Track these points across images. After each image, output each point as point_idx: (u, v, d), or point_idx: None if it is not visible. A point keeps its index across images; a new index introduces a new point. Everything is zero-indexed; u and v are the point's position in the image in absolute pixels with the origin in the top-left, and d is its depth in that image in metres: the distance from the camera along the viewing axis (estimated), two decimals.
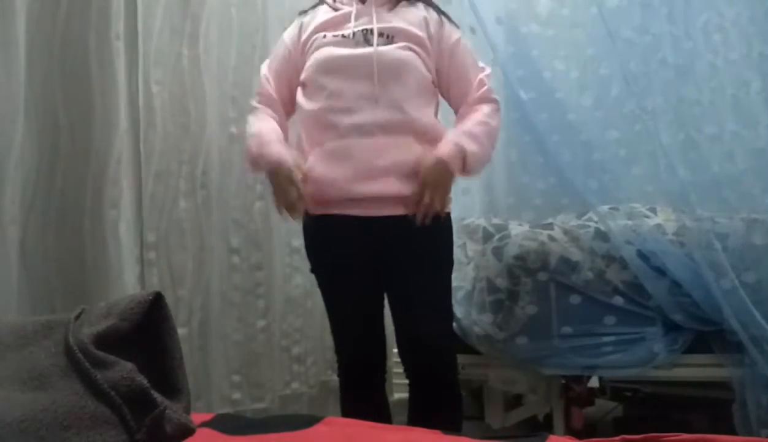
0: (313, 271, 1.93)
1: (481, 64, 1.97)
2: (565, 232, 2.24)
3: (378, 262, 1.83)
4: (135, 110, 2.07)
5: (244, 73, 2.43)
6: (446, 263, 1.89)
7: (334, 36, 1.87)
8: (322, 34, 1.89)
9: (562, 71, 2.49)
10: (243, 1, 2.44)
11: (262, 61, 2.46)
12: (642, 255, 2.13)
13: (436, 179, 1.76)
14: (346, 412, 1.90)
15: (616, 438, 1.08)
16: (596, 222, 2.25)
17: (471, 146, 1.79)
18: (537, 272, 2.21)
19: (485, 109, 1.88)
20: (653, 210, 2.27)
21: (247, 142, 1.89)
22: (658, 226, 2.18)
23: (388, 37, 1.85)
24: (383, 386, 1.96)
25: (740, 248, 2.09)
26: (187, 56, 2.22)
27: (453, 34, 1.92)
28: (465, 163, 1.79)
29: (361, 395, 1.91)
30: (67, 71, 1.88)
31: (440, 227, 1.83)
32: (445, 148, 1.78)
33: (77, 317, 0.89)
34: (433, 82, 1.90)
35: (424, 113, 1.84)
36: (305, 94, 1.89)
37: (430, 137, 1.82)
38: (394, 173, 1.77)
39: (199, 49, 2.25)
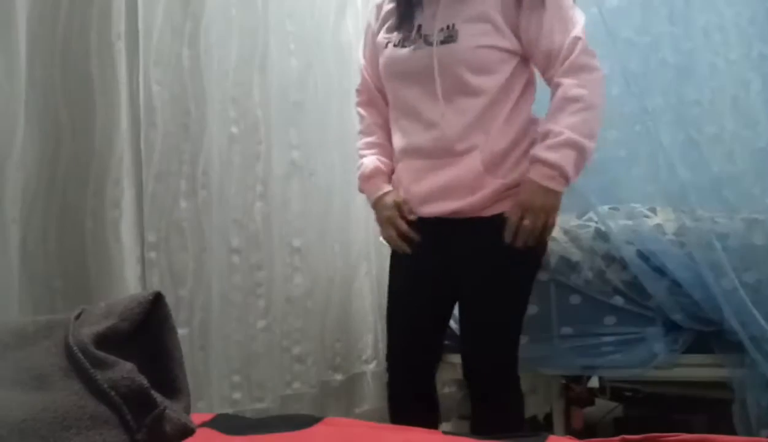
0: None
1: (575, 17, 1.72)
2: (565, 232, 2.24)
3: (448, 268, 1.82)
4: (136, 110, 2.07)
5: (244, 73, 2.42)
6: (517, 288, 1.84)
7: (394, 35, 1.82)
8: (385, 30, 1.85)
9: None
10: (243, 1, 2.44)
11: (262, 61, 2.48)
12: (642, 255, 2.13)
13: (535, 202, 1.69)
14: (392, 404, 1.95)
15: (616, 438, 1.09)
16: (596, 222, 2.25)
17: (566, 158, 1.66)
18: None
19: (574, 88, 1.68)
20: (653, 210, 2.27)
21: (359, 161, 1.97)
22: (658, 226, 2.18)
23: (449, 27, 1.72)
24: (430, 382, 1.96)
25: (740, 248, 2.09)
26: (187, 56, 2.22)
27: None
28: (567, 176, 1.69)
29: (407, 388, 1.93)
30: (68, 71, 1.88)
31: (524, 252, 1.76)
32: (540, 172, 1.68)
33: (77, 317, 0.89)
34: (518, 55, 1.76)
35: (494, 126, 1.75)
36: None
37: (502, 155, 1.76)
38: (454, 192, 1.77)
39: (200, 49, 2.25)
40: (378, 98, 1.94)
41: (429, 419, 1.85)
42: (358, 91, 2.00)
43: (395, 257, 1.94)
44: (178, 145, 2.19)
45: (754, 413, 2.01)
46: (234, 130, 2.38)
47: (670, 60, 2.29)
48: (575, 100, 1.67)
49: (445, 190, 1.77)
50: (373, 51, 1.92)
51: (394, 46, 1.80)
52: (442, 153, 1.76)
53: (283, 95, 2.54)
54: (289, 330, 2.54)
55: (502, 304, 1.81)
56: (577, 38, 1.70)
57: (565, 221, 2.33)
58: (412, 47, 1.77)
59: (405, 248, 1.84)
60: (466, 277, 1.81)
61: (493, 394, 1.82)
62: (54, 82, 1.86)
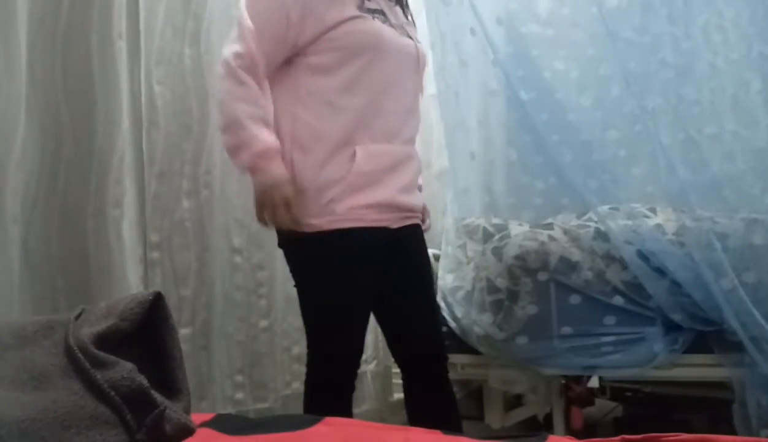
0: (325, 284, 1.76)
1: None
2: (565, 232, 2.24)
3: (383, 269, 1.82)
4: (137, 110, 2.08)
5: None
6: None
7: (375, 12, 1.78)
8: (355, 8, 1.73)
9: (562, 71, 2.49)
10: None
11: None
12: (642, 255, 2.13)
13: None
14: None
15: (616, 438, 1.09)
16: (596, 222, 2.24)
17: None
18: (537, 272, 2.21)
19: None
20: (653, 210, 2.27)
21: (237, 131, 1.66)
22: (658, 226, 2.17)
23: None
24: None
25: (740, 248, 2.09)
26: (189, 56, 2.23)
27: None
28: None
29: (344, 399, 1.82)
30: (69, 71, 1.89)
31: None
32: None
33: (77, 317, 0.90)
34: None
35: None
36: (336, 75, 1.73)
37: None
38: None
39: (201, 49, 2.26)
40: (261, 73, 1.70)
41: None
42: (240, 54, 1.68)
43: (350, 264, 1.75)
44: (180, 144, 2.19)
45: (754, 413, 2.01)
46: None
47: (670, 60, 2.29)
48: None
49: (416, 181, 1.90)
50: (279, 29, 1.69)
51: (391, 27, 1.80)
52: (412, 141, 1.87)
53: None
54: (290, 330, 2.55)
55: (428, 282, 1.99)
56: None
57: (565, 221, 2.34)
58: (402, 34, 1.83)
59: (290, 223, 1.70)
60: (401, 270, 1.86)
61: (444, 375, 1.92)
62: (55, 81, 1.87)
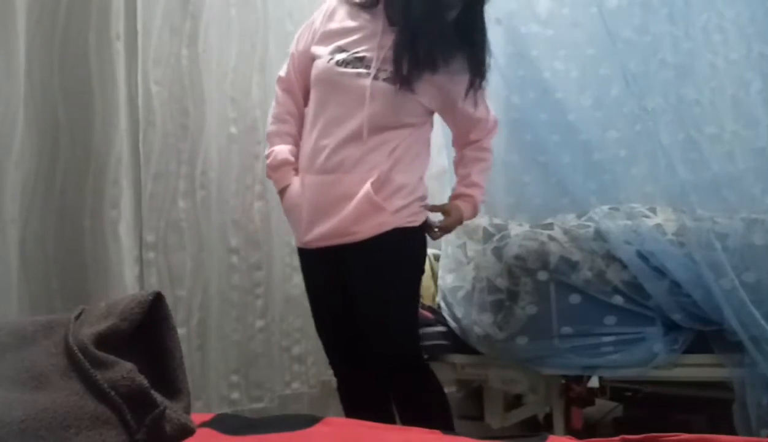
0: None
1: None
2: (565, 232, 2.24)
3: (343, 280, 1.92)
4: (134, 110, 2.07)
5: (243, 73, 2.43)
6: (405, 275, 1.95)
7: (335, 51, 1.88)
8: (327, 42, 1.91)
9: (562, 71, 2.49)
10: (243, 1, 2.44)
11: (261, 61, 2.48)
12: (642, 255, 2.12)
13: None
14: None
15: (616, 438, 1.09)
16: (596, 222, 2.24)
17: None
18: (537, 272, 2.20)
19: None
20: (653, 210, 2.27)
21: (268, 146, 2.01)
22: (658, 226, 2.17)
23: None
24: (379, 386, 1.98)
25: (740, 248, 2.09)
26: (186, 56, 2.22)
27: None
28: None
29: (359, 395, 1.98)
30: (66, 71, 1.88)
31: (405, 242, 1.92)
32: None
33: (77, 317, 0.89)
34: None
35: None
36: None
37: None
38: None
39: (199, 49, 2.25)
40: (295, 88, 1.99)
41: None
42: (280, 77, 2.02)
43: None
44: (176, 145, 2.19)
45: (754, 413, 2.01)
46: (233, 130, 2.38)
47: (670, 60, 2.29)
48: None
49: None
50: (308, 43, 1.97)
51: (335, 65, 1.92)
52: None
53: None
54: (289, 330, 2.55)
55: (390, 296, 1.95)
56: None
57: (564, 221, 2.33)
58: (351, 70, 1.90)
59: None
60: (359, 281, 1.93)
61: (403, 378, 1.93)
62: (53, 82, 1.86)
